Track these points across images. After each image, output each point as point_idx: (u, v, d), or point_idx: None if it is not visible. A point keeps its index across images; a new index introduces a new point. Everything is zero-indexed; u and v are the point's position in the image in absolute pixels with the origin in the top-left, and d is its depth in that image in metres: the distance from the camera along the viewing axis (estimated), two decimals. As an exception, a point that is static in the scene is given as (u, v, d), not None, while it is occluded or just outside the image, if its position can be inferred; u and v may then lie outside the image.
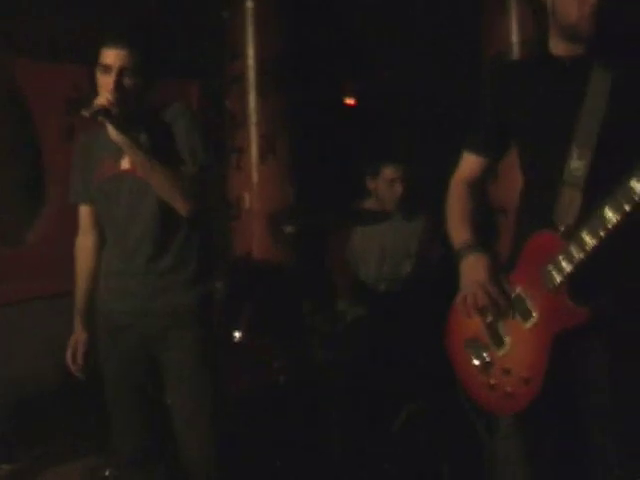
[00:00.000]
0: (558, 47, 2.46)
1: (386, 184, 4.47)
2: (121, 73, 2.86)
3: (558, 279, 2.37)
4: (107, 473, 3.83)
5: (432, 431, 4.07)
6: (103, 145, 3.00)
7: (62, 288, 4.03)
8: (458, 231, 2.62)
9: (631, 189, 2.18)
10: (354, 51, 6.13)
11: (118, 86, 2.86)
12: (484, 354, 2.57)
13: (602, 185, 2.26)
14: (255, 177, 5.58)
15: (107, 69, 2.87)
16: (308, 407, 3.92)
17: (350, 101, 6.50)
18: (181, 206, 2.90)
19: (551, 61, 2.48)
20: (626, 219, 2.22)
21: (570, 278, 2.35)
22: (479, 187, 2.70)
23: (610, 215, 2.23)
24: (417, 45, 5.61)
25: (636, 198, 2.18)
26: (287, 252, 5.03)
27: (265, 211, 5.51)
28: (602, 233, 2.25)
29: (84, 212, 3.17)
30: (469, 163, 2.68)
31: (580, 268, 2.33)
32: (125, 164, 2.98)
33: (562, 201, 2.39)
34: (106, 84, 2.87)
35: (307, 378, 4.05)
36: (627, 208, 2.20)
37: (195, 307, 3.00)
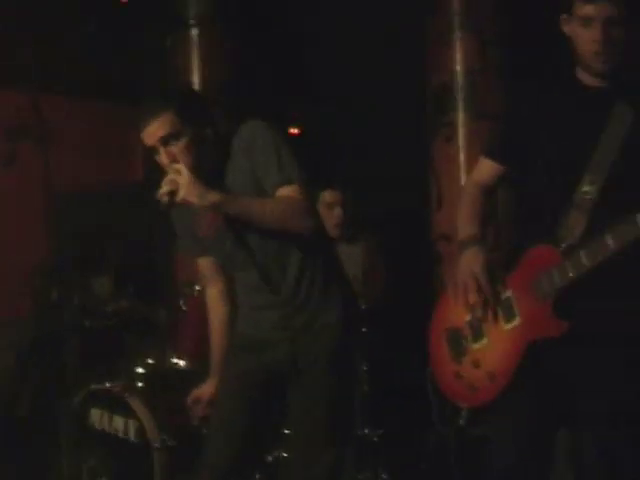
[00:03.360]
0: (582, 76, 2.57)
1: (325, 209, 4.49)
2: None
3: (548, 290, 2.50)
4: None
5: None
6: None
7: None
8: (467, 224, 2.76)
9: (636, 222, 2.31)
10: (299, 80, 6.14)
11: None
12: (461, 343, 2.73)
13: (608, 212, 2.41)
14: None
15: None
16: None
17: (294, 130, 6.50)
18: (301, 227, 2.73)
19: (577, 88, 2.58)
20: (624, 249, 2.35)
21: (559, 292, 2.49)
22: (490, 193, 2.82)
23: (610, 242, 2.36)
24: (361, 73, 5.63)
25: (638, 232, 2.31)
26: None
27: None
28: (599, 258, 2.39)
29: (202, 264, 3.03)
30: (486, 168, 2.80)
31: (570, 285, 2.46)
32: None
33: (568, 222, 2.51)
34: None
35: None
36: (628, 239, 2.33)
37: (337, 326, 2.83)
